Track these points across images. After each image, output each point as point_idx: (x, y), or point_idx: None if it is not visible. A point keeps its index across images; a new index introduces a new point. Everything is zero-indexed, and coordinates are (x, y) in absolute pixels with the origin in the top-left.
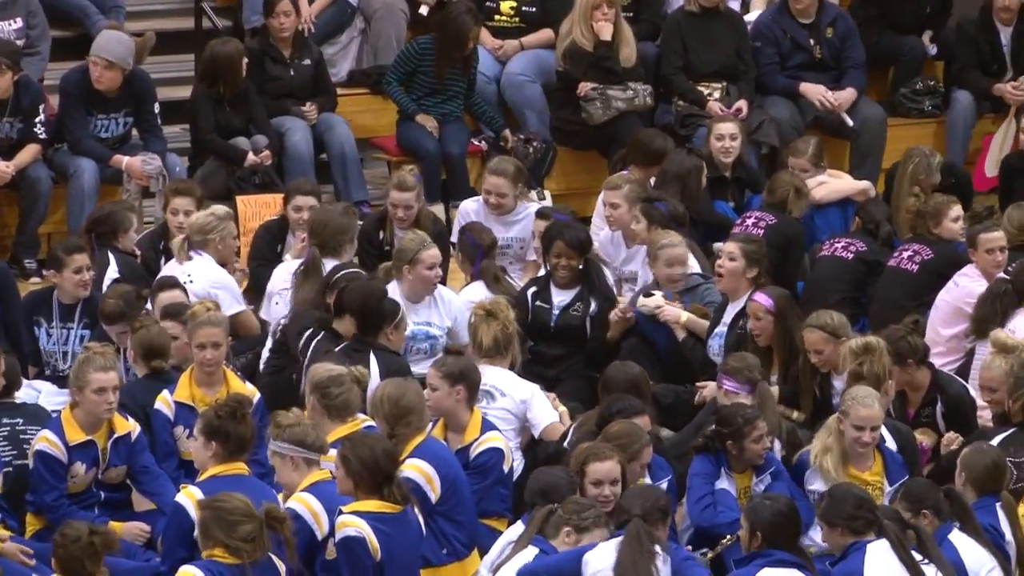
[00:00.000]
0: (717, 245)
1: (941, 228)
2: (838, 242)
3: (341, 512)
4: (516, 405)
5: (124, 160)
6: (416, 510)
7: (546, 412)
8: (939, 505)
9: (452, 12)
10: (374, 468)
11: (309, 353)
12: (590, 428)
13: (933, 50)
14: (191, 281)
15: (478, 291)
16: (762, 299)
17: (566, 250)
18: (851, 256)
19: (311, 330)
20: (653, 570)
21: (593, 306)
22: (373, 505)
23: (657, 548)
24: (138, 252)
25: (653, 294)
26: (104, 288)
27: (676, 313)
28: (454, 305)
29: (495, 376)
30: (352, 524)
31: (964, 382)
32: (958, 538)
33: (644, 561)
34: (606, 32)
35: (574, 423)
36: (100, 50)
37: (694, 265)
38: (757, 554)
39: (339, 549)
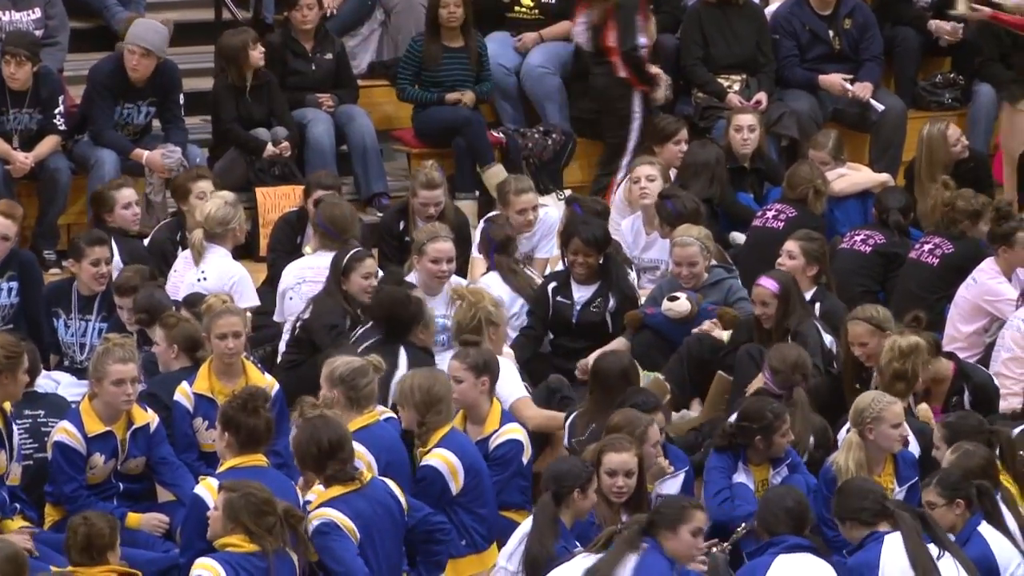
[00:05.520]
0: (734, 235)
1: (975, 230)
2: (857, 235)
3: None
4: None
5: (144, 155)
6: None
7: (512, 387)
8: (971, 496)
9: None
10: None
11: (354, 344)
12: (600, 423)
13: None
14: (204, 279)
15: (493, 281)
16: (768, 284)
17: (582, 247)
18: (869, 250)
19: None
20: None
21: (612, 303)
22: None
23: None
24: (133, 231)
25: (678, 297)
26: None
27: (720, 336)
28: None
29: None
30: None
31: (987, 370)
32: (987, 531)
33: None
34: None
35: (571, 415)
36: (137, 39)
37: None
38: (770, 543)
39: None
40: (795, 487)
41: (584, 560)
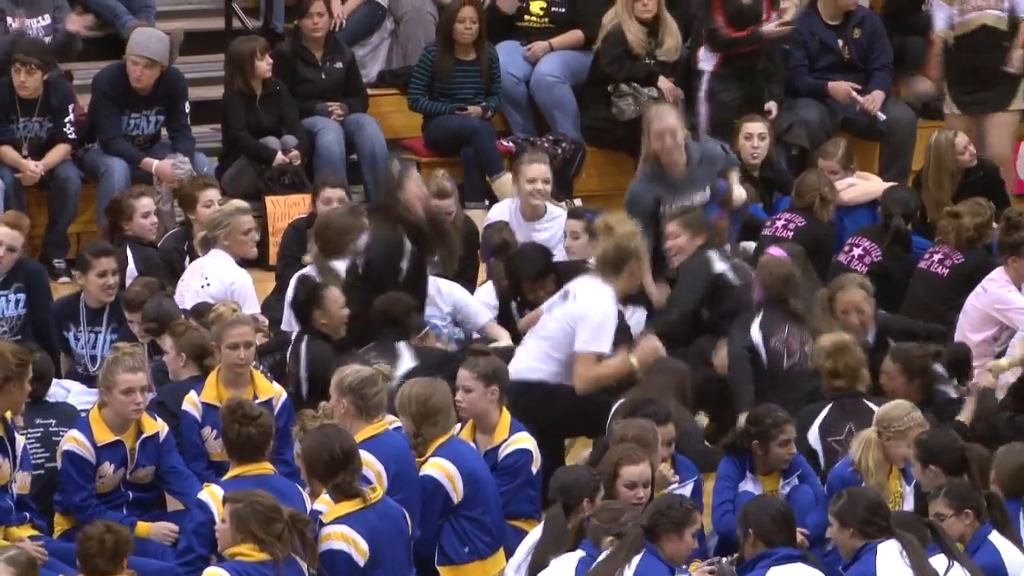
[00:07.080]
0: (744, 245)
1: (989, 236)
2: (856, 247)
3: None
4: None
5: (154, 164)
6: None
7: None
8: (980, 505)
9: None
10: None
11: (304, 357)
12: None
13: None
14: (208, 284)
15: (487, 290)
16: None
17: (533, 285)
18: (865, 269)
19: (297, 332)
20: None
21: None
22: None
23: (635, 559)
24: (149, 239)
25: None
26: (127, 284)
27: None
28: (453, 294)
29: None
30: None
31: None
32: (998, 540)
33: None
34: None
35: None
36: (140, 48)
37: None
38: (761, 555)
39: None
40: (776, 497)
41: (579, 554)
